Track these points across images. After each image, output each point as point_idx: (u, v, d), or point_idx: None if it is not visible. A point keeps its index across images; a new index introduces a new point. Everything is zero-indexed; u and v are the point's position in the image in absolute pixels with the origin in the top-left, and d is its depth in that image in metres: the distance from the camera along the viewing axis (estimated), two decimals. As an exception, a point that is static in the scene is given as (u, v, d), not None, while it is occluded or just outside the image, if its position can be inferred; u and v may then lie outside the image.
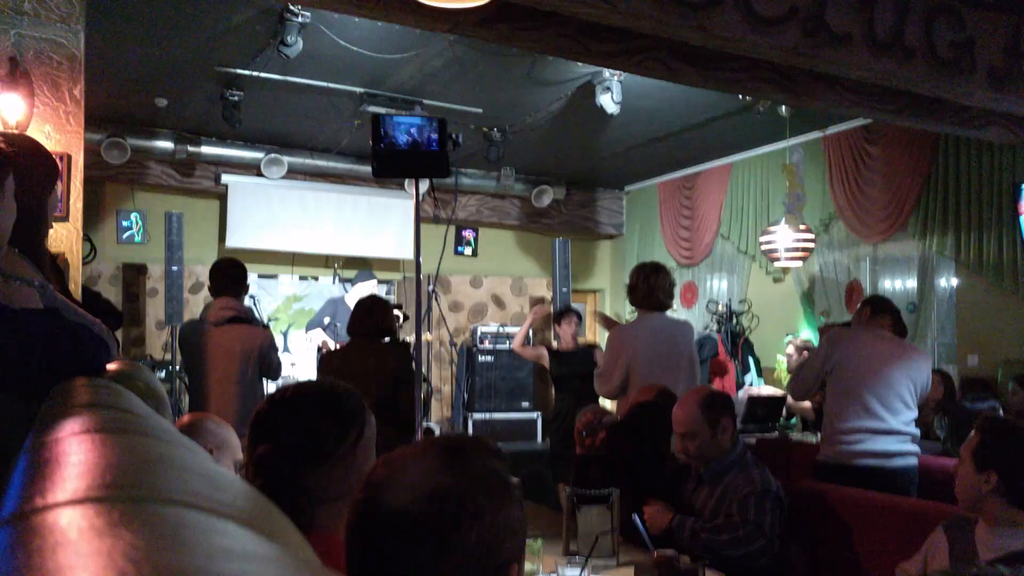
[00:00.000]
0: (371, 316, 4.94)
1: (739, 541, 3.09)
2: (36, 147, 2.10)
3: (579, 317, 7.34)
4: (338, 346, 6.54)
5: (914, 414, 4.36)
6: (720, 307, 8.96)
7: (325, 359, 5.20)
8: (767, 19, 4.13)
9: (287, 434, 1.67)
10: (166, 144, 8.20)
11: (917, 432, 4.39)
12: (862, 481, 3.91)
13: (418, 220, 4.26)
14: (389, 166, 4.18)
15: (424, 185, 4.31)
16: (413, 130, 4.01)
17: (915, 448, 4.32)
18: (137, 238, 8.77)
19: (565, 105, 7.37)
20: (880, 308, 4.61)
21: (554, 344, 7.41)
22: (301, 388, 1.81)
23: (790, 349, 7.34)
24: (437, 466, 1.20)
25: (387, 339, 5.00)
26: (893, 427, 4.25)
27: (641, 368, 4.53)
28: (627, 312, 9.37)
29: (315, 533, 1.55)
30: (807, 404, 6.56)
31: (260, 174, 8.74)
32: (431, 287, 7.90)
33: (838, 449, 4.30)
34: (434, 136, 4.01)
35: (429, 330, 8.85)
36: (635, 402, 3.95)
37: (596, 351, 6.99)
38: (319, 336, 7.67)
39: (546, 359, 7.08)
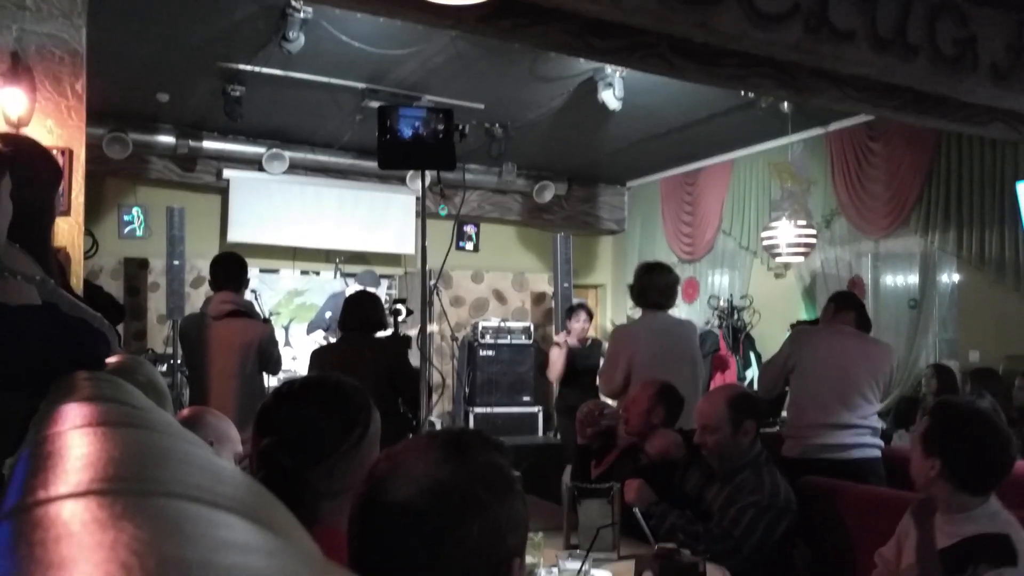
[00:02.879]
0: (361, 310, 4.94)
1: (711, 552, 3.05)
2: (38, 148, 2.11)
3: (589, 314, 7.45)
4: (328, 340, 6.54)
5: (875, 408, 4.44)
6: (721, 303, 8.96)
7: (318, 354, 5.18)
8: (769, 16, 4.12)
9: (292, 428, 1.67)
10: (168, 139, 8.20)
11: (877, 425, 4.47)
12: (824, 474, 3.96)
13: (424, 212, 4.25)
14: (394, 158, 4.17)
15: (428, 178, 4.29)
16: (418, 122, 3.99)
17: (875, 440, 4.40)
18: (139, 233, 8.77)
19: (567, 101, 7.36)
20: (844, 305, 4.70)
21: (565, 339, 7.45)
22: (308, 383, 1.82)
23: None
24: (439, 460, 1.20)
25: (387, 332, 5.00)
26: (850, 422, 4.32)
27: (642, 367, 4.54)
28: (627, 309, 9.38)
29: (318, 526, 1.55)
30: None
31: (262, 169, 8.74)
32: (433, 281, 7.89)
33: (800, 444, 4.38)
34: (440, 128, 3.99)
35: (432, 321, 8.83)
36: (635, 397, 3.95)
37: (604, 346, 7.05)
38: (319, 338, 7.66)
39: (562, 359, 7.17)
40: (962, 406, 2.71)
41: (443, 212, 8.99)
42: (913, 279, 7.41)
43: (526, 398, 9.13)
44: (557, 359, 7.21)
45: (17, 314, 1.48)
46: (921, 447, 2.52)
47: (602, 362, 5.65)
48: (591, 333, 7.37)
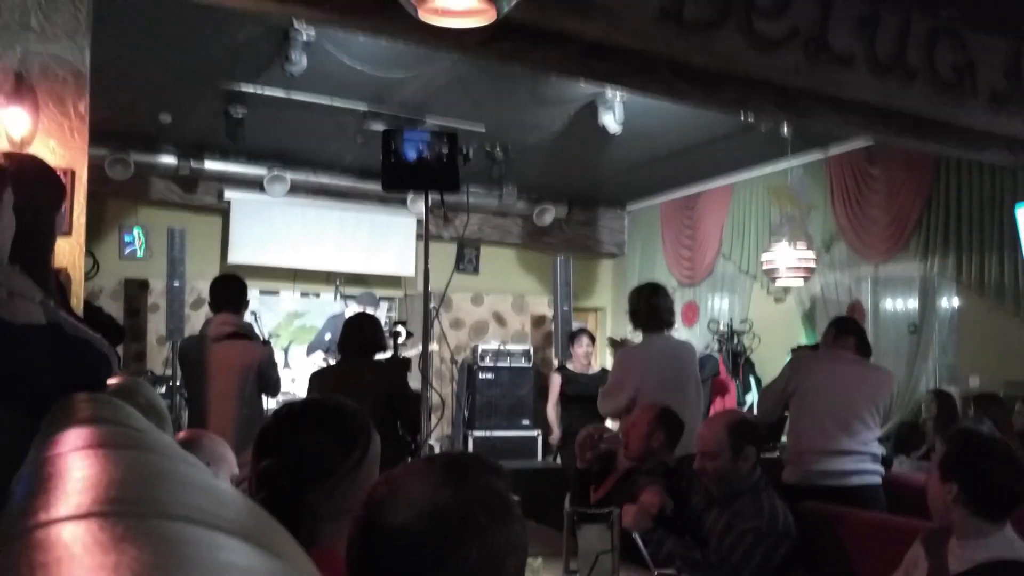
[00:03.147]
0: (361, 333, 4.95)
1: None
2: (43, 167, 2.12)
3: (592, 339, 7.45)
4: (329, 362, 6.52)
5: (875, 434, 4.43)
6: (721, 327, 8.95)
7: (318, 377, 5.17)
8: (769, 40, 4.15)
9: (292, 450, 1.67)
10: (169, 160, 8.22)
11: (878, 451, 4.46)
12: (825, 501, 3.94)
13: (427, 234, 4.26)
14: (398, 179, 4.18)
15: (431, 200, 4.31)
16: (423, 144, 4.01)
17: (875, 467, 4.38)
18: (139, 253, 8.77)
19: (567, 124, 7.39)
20: (844, 330, 4.70)
21: (567, 364, 7.50)
22: (307, 405, 1.82)
23: None
24: (438, 484, 1.20)
25: (386, 355, 4.99)
26: (850, 447, 4.30)
27: (649, 391, 4.52)
28: (627, 332, 9.38)
29: (317, 548, 1.55)
30: None
31: (263, 191, 8.75)
32: (435, 305, 7.87)
33: (800, 471, 4.35)
34: (444, 150, 4.01)
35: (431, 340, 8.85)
36: (635, 421, 3.94)
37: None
38: (319, 359, 7.65)
39: (558, 385, 7.21)
40: (980, 433, 2.76)
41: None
42: (913, 303, 7.42)
43: (525, 421, 9.10)
44: (555, 390, 7.26)
45: (22, 333, 1.49)
46: (939, 472, 2.54)
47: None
48: (595, 365, 7.38)
